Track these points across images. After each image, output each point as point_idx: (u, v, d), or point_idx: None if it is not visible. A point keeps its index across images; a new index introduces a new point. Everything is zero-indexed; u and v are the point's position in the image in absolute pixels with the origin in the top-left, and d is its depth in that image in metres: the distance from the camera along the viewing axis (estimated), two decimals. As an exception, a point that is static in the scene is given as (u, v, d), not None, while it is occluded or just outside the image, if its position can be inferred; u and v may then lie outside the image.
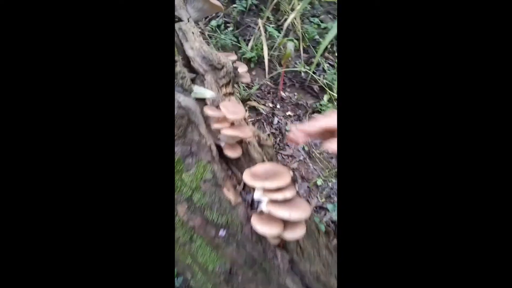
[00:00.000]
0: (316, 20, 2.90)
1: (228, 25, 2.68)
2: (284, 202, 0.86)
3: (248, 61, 2.58)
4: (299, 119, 2.47)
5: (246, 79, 1.27)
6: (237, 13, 2.72)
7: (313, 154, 2.30)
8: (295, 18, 2.56)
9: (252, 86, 2.44)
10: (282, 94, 2.52)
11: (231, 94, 1.04)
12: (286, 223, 0.85)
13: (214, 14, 2.71)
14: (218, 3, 1.08)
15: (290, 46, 2.35)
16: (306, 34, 2.70)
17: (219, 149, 0.95)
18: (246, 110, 2.35)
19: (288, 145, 2.32)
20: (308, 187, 2.17)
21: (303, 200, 0.89)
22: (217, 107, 0.93)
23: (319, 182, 2.17)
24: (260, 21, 2.52)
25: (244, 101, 2.37)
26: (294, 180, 0.99)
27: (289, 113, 2.46)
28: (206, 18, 2.70)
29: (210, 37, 2.57)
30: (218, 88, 0.99)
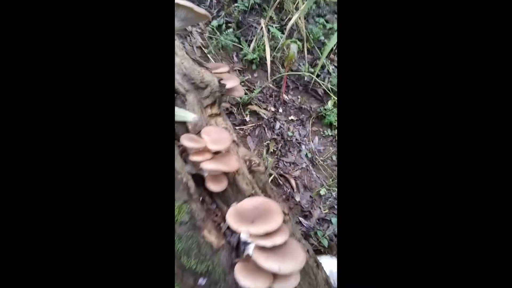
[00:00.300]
0: (322, 20, 2.70)
1: (229, 25, 2.51)
2: (274, 249, 0.71)
3: (249, 63, 2.42)
4: (302, 123, 2.31)
5: (239, 92, 1.12)
6: (239, 13, 2.54)
7: (317, 162, 2.14)
8: (299, 18, 2.37)
9: (254, 89, 2.28)
10: (285, 97, 2.36)
11: (217, 115, 0.89)
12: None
13: (215, 14, 2.54)
14: (204, 11, 0.92)
15: (293, 48, 2.18)
16: (310, 35, 2.52)
17: (202, 179, 0.81)
18: (247, 115, 2.20)
19: (290, 152, 2.17)
20: (310, 196, 2.02)
21: (297, 244, 0.75)
22: (198, 133, 0.78)
23: (323, 191, 2.02)
24: (262, 21, 2.35)
25: (245, 105, 2.22)
26: (286, 217, 0.84)
27: (292, 117, 2.29)
28: (207, 17, 2.53)
29: (210, 38, 2.41)
30: (202, 109, 0.85)
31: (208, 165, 0.72)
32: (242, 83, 2.29)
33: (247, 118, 2.18)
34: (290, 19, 2.38)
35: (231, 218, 0.72)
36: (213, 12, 2.56)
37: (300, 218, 1.91)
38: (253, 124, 2.17)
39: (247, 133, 2.14)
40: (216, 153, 0.80)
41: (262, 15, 2.57)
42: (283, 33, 2.39)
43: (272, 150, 2.11)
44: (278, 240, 0.70)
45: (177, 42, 0.89)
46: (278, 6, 2.61)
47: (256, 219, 0.73)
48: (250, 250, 0.76)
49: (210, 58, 2.32)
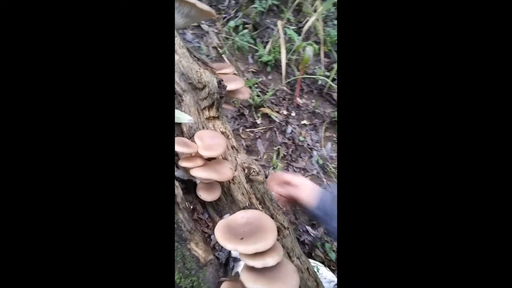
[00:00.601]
0: (341, 22, 2.59)
1: (246, 26, 2.44)
2: (265, 271, 0.63)
3: (264, 65, 2.33)
4: (315, 128, 2.20)
5: (244, 95, 1.04)
6: (256, 14, 2.46)
7: (328, 169, 2.03)
8: (317, 20, 2.27)
9: (267, 91, 2.20)
10: (299, 101, 2.26)
11: (215, 118, 0.82)
12: (266, 297, 0.63)
13: (232, 14, 2.48)
14: (207, 8, 0.85)
15: (309, 50, 2.08)
16: (328, 38, 2.41)
17: (194, 186, 0.74)
18: (258, 117, 2.11)
19: (301, 157, 2.07)
20: (319, 205, 1.92)
21: (291, 267, 0.66)
22: (192, 137, 0.71)
23: (332, 200, 1.91)
24: (279, 23, 2.26)
25: (257, 107, 2.14)
26: (286, 231, 0.76)
27: (304, 121, 2.19)
28: (224, 18, 2.47)
29: (227, 39, 2.34)
30: (199, 111, 0.77)
31: (198, 173, 0.65)
32: (256, 85, 2.21)
33: (259, 121, 2.10)
34: (308, 21, 2.28)
35: (219, 233, 0.64)
36: (231, 12, 2.50)
37: (307, 227, 1.81)
38: (264, 127, 2.09)
39: (257, 136, 2.06)
40: (210, 159, 0.72)
41: (279, 17, 2.49)
42: (300, 35, 2.30)
43: (283, 154, 2.02)
44: (269, 261, 0.62)
45: (178, 40, 0.82)
46: (297, 8, 2.51)
47: (247, 236, 0.64)
48: (240, 268, 0.68)
49: (225, 58, 2.26)
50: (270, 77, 2.31)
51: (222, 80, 0.79)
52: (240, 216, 0.69)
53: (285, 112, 2.18)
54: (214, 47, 2.31)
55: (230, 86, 0.93)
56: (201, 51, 2.27)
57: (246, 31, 2.36)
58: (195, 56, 0.93)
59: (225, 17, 2.46)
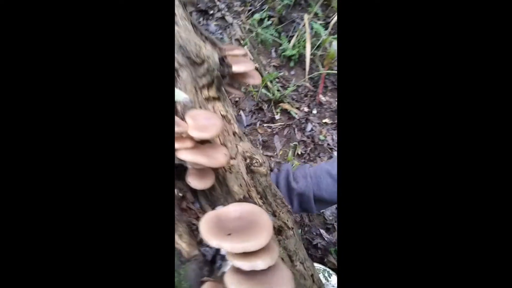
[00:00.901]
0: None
1: (271, 19, 2.34)
2: (254, 274, 0.53)
3: (287, 59, 2.22)
4: (337, 128, 2.05)
5: (254, 80, 0.93)
6: (283, 7, 2.35)
7: (348, 171, 1.88)
8: (345, 14, 2.12)
9: (288, 86, 2.08)
10: (321, 98, 2.12)
11: (215, 99, 0.72)
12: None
13: (258, 7, 2.38)
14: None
15: (335, 45, 1.94)
16: (357, 33, 2.25)
17: (184, 170, 0.65)
18: (277, 112, 2.00)
19: (320, 157, 1.94)
20: (336, 208, 1.77)
21: (287, 272, 0.55)
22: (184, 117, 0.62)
23: (350, 204, 1.76)
24: (306, 16, 2.14)
25: (276, 102, 2.03)
26: (290, 232, 0.65)
27: (326, 120, 2.05)
28: (249, 10, 2.38)
29: (250, 31, 2.25)
30: (197, 89, 0.68)
31: (184, 155, 0.56)
32: (277, 79, 2.10)
33: (277, 116, 1.99)
34: (336, 16, 2.14)
35: (205, 225, 0.54)
36: (256, 5, 2.40)
37: (322, 231, 1.68)
38: (283, 123, 1.98)
39: (275, 132, 1.95)
40: (203, 143, 0.63)
41: (306, 11, 2.36)
42: (327, 29, 2.16)
43: (299, 153, 1.89)
44: (259, 264, 0.51)
45: (180, 11, 0.73)
46: (325, 2, 2.38)
47: (236, 232, 0.54)
48: (227, 268, 0.58)
49: (247, 50, 2.17)
50: (292, 72, 2.19)
51: (226, 57, 0.69)
52: (233, 209, 0.59)
53: (306, 109, 2.05)
54: (237, 39, 2.23)
55: (237, 68, 0.84)
56: (223, 42, 2.19)
57: (269, 22, 2.25)
58: (202, 34, 0.84)
59: (250, 9, 2.37)
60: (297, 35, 2.22)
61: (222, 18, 2.34)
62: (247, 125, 1.92)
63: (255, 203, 0.70)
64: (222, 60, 0.68)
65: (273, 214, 0.75)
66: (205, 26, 2.29)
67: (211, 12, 2.32)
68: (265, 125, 1.95)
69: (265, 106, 2.01)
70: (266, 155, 1.86)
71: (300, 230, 1.66)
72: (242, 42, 2.19)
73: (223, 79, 0.71)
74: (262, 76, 2.06)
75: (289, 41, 2.22)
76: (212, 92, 0.70)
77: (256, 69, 2.08)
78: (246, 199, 0.67)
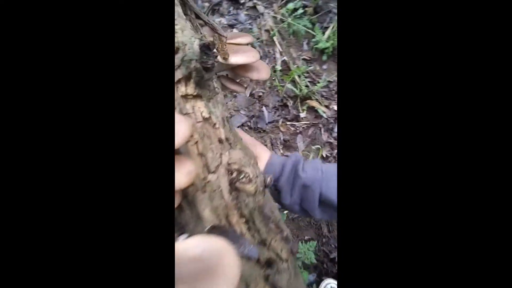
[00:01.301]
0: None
1: (306, 9, 2.12)
2: None
3: (320, 53, 2.00)
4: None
5: (260, 74, 0.76)
6: (319, -4, 2.12)
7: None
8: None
9: (318, 82, 1.87)
10: (354, 97, 1.88)
11: (195, 97, 0.57)
12: None
13: (292, -5, 2.17)
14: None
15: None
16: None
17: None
18: (303, 110, 1.81)
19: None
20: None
21: None
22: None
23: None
24: (343, 5, 1.89)
25: (303, 99, 1.83)
26: (284, 264, 0.48)
27: (357, 121, 1.82)
28: (282, 0, 2.18)
29: (282, 21, 2.06)
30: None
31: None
32: (306, 74, 1.89)
33: (302, 114, 1.79)
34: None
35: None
36: (291, -7, 2.19)
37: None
38: (308, 122, 1.78)
39: (298, 131, 1.76)
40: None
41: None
42: (366, 20, 1.89)
43: (324, 155, 1.69)
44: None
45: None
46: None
47: (190, 280, 0.40)
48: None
49: (276, 41, 1.98)
50: (324, 66, 1.97)
51: (211, 44, 0.54)
52: (194, 244, 0.44)
53: (335, 108, 1.83)
54: (267, 30, 2.05)
55: (235, 59, 0.67)
56: (253, 34, 2.03)
57: (302, 11, 2.04)
58: (197, 17, 0.69)
59: (283, -1, 2.17)
60: (333, 27, 1.99)
61: (254, 7, 2.17)
62: (269, 122, 1.75)
63: (234, 232, 0.54)
64: (207, 48, 0.53)
65: (262, 243, 0.59)
66: (235, 15, 2.14)
67: (242, 1, 2.16)
68: (288, 123, 1.77)
69: (290, 103, 1.82)
70: (286, 156, 1.69)
71: (317, 241, 1.48)
72: (271, 33, 2.00)
73: (208, 72, 0.55)
74: (290, 70, 1.87)
75: (324, 33, 2.00)
76: (190, 89, 0.55)
77: (283, 62, 1.87)
78: (219, 228, 0.52)
